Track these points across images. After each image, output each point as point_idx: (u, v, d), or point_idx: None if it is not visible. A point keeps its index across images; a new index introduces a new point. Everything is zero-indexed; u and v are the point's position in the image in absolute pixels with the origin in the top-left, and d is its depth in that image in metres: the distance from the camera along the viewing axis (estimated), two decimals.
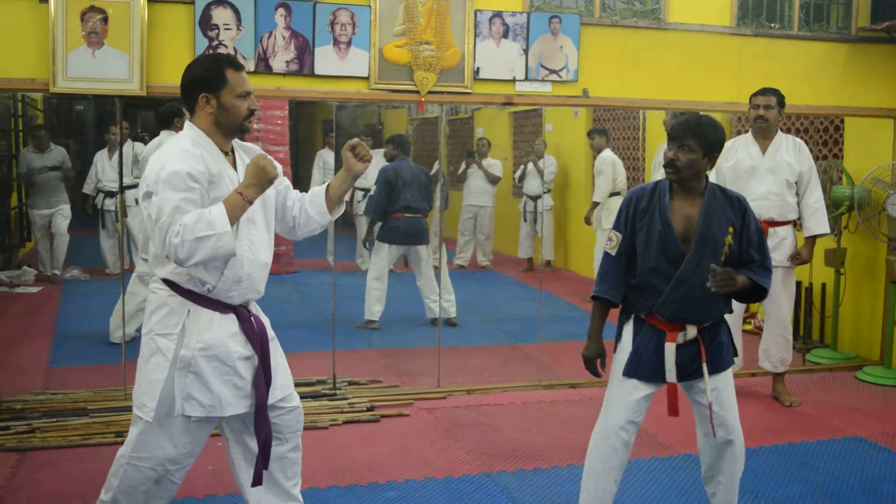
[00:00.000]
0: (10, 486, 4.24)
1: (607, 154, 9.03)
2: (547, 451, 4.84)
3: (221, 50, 5.34)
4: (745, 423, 3.63)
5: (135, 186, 9.62)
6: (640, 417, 3.58)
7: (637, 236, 3.52)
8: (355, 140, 3.33)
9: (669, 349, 3.50)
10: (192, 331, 3.09)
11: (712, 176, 5.88)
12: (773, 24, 6.51)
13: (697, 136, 3.40)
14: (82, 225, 10.31)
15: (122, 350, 5.71)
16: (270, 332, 3.32)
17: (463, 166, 11.14)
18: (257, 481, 3.28)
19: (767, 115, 5.64)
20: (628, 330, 3.63)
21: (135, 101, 5.50)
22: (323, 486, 4.23)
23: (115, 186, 9.84)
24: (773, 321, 5.82)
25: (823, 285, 7.14)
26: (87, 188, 10.07)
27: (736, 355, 3.73)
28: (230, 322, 3.15)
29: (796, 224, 5.82)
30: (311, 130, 15.84)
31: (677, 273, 3.43)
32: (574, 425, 5.19)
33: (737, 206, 3.50)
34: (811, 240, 5.79)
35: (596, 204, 8.92)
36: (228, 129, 3.17)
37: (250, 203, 3.03)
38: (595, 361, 3.61)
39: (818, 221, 5.73)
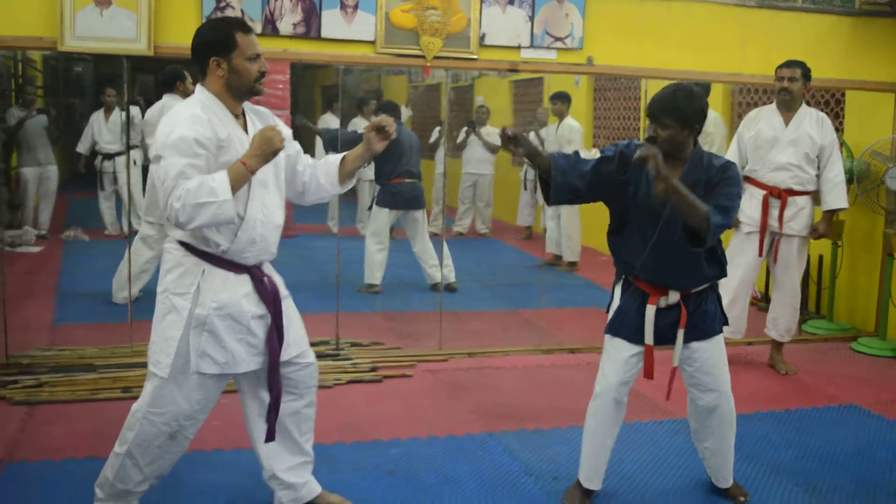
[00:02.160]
0: (20, 439, 4.31)
1: (576, 123, 9.06)
2: (548, 412, 4.92)
3: (229, 11, 5.36)
4: (742, 390, 3.73)
5: (124, 153, 9.71)
6: (631, 377, 3.68)
7: (628, 189, 3.54)
8: (383, 118, 3.36)
9: (649, 312, 3.58)
10: (206, 290, 3.15)
11: (733, 145, 5.94)
12: None
13: (673, 111, 3.44)
14: (81, 186, 10.34)
15: (127, 309, 5.77)
16: (284, 291, 3.39)
17: (462, 135, 11.17)
18: (270, 437, 3.37)
19: (792, 87, 5.67)
20: (618, 290, 3.74)
21: (133, 65, 5.51)
22: (329, 442, 4.30)
23: (112, 148, 9.88)
24: (785, 290, 5.89)
25: (821, 257, 7.22)
26: (81, 147, 10.08)
27: (726, 324, 3.78)
28: (244, 282, 3.22)
29: (813, 196, 5.86)
30: (311, 96, 15.83)
31: (653, 237, 3.50)
32: (574, 388, 5.27)
33: (717, 171, 3.50)
34: (829, 213, 5.85)
35: None
36: (239, 92, 3.20)
37: (252, 173, 3.07)
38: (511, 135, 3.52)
39: (837, 195, 5.78)
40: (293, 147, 3.45)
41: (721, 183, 3.47)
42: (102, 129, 9.92)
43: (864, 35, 6.71)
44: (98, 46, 5.20)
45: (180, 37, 5.30)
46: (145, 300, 6.61)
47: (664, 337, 3.63)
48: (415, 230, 7.95)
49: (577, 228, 9.01)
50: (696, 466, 4.15)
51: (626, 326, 3.65)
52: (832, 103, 7.67)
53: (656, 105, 3.48)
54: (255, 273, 3.25)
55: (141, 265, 6.63)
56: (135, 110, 9.74)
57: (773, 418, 4.96)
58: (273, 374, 3.29)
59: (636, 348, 3.64)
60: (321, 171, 3.45)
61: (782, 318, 5.93)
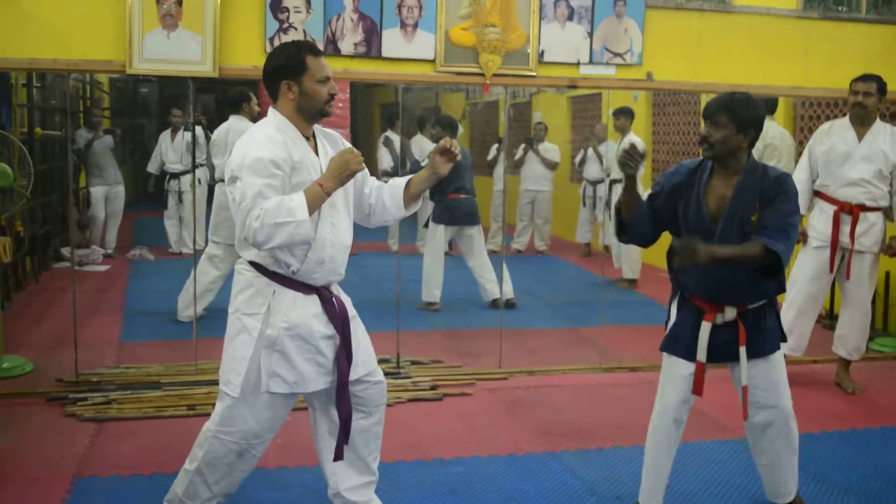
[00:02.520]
0: (90, 454, 4.40)
1: (638, 139, 8.99)
2: (609, 431, 4.89)
3: (291, 33, 5.44)
4: (808, 409, 3.68)
5: (188, 172, 9.94)
6: (690, 395, 3.62)
7: (678, 207, 3.55)
8: (449, 141, 3.38)
9: (704, 328, 3.53)
10: (277, 311, 3.21)
11: (804, 159, 5.85)
12: (840, 8, 6.44)
13: (728, 111, 3.39)
14: (147, 206, 10.56)
15: (192, 327, 5.87)
16: (352, 311, 3.43)
17: (520, 152, 11.17)
18: (338, 456, 3.40)
19: (867, 101, 5.57)
20: (674, 307, 3.71)
21: (179, 91, 5.64)
22: (390, 460, 4.32)
23: (176, 168, 10.11)
24: (856, 307, 5.78)
25: (887, 273, 7.07)
26: (152, 167, 10.38)
27: (784, 340, 3.71)
28: (313, 303, 3.26)
29: (885, 212, 5.75)
30: (368, 113, 15.98)
31: None
32: (635, 407, 5.22)
33: (772, 183, 3.43)
34: None
35: None
36: (310, 114, 3.27)
37: (328, 194, 3.12)
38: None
39: None
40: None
41: (777, 199, 3.40)
42: (168, 149, 10.18)
43: None
44: (165, 68, 5.32)
45: (244, 58, 5.41)
46: (210, 318, 6.73)
47: (721, 354, 3.58)
48: (470, 246, 7.96)
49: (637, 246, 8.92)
50: (759, 487, 4.09)
51: (681, 344, 3.61)
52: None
53: (712, 104, 3.45)
54: (323, 294, 3.29)
55: (206, 284, 6.74)
56: (198, 130, 9.97)
57: (840, 438, 4.86)
58: (342, 395, 3.32)
59: (693, 366, 3.59)
60: (387, 194, 3.49)
61: (852, 337, 5.81)
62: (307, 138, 3.30)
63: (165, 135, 10.39)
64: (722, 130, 3.41)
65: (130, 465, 4.27)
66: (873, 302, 6.99)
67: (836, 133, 5.73)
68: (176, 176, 10.17)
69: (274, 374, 3.21)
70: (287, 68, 3.22)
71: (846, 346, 5.83)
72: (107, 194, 10.20)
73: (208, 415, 4.90)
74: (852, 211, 5.60)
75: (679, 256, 3.28)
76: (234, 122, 6.95)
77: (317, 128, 3.39)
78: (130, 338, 6.67)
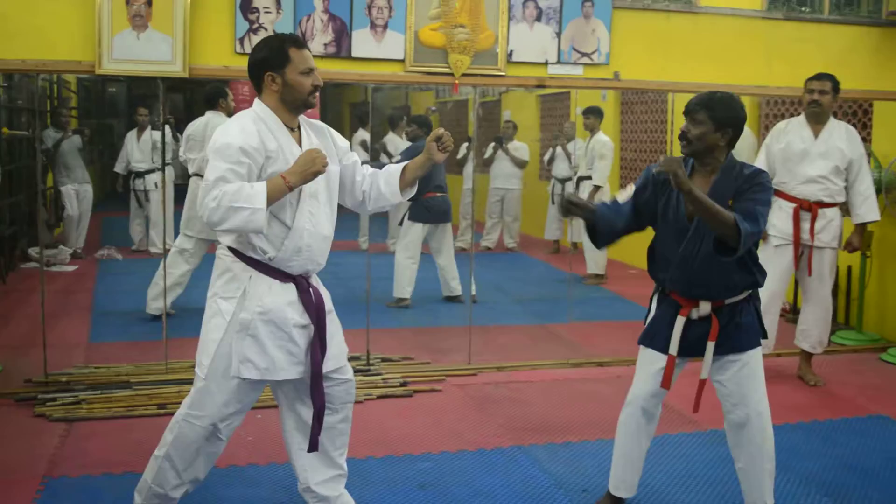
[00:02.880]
0: (59, 454, 4.40)
1: (607, 138, 9.13)
2: (577, 425, 4.96)
3: (261, 33, 5.46)
4: (771, 402, 3.68)
5: (157, 170, 9.94)
6: (662, 389, 3.68)
7: (658, 204, 3.62)
8: (441, 131, 3.43)
9: (678, 323, 3.60)
10: (252, 295, 3.25)
11: (761, 157, 5.96)
12: (803, 9, 6.56)
13: (708, 109, 3.46)
14: (113, 206, 10.53)
15: (162, 326, 5.87)
16: (328, 305, 3.46)
17: (490, 150, 11.25)
18: (313, 447, 3.43)
19: (822, 99, 5.69)
20: (654, 302, 3.77)
21: (147, 91, 5.66)
22: (360, 456, 4.36)
23: (142, 166, 10.09)
24: (818, 302, 5.89)
25: (849, 268, 7.20)
26: (119, 167, 10.35)
27: (765, 337, 3.76)
28: (289, 290, 3.30)
29: (841, 207, 5.87)
30: (338, 112, 15.99)
31: (680, 249, 3.52)
32: (603, 402, 5.30)
33: (746, 178, 3.48)
34: (861, 226, 5.86)
35: (598, 188, 9.01)
36: (294, 105, 3.31)
37: (290, 189, 3.15)
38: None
39: (869, 208, 5.79)
40: (350, 158, 3.55)
41: (750, 189, 3.46)
42: (134, 148, 10.14)
43: (891, 45, 6.72)
44: (135, 69, 5.32)
45: (214, 59, 5.43)
46: (180, 318, 6.77)
47: (697, 349, 3.63)
48: (441, 243, 8.05)
49: None
50: (725, 479, 4.19)
51: (658, 337, 3.67)
52: (860, 114, 7.67)
53: (693, 101, 3.51)
54: (300, 283, 3.33)
55: (176, 278, 6.79)
56: (157, 134, 10.01)
57: (801, 429, 4.96)
58: (316, 385, 3.35)
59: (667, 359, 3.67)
60: (382, 180, 3.53)
61: (814, 330, 5.92)
62: (291, 129, 3.34)
63: (131, 134, 10.36)
64: (700, 127, 3.47)
65: (101, 464, 4.28)
66: (835, 296, 7.16)
67: (792, 131, 5.85)
68: (141, 175, 10.14)
69: (245, 360, 3.24)
70: (270, 60, 3.27)
71: (809, 340, 5.94)
72: (77, 193, 10.16)
73: None
74: (811, 208, 5.71)
75: (663, 164, 3.31)
76: (212, 118, 7.03)
77: (303, 119, 3.43)
78: (99, 338, 6.66)
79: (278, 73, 3.26)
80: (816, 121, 5.78)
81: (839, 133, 5.77)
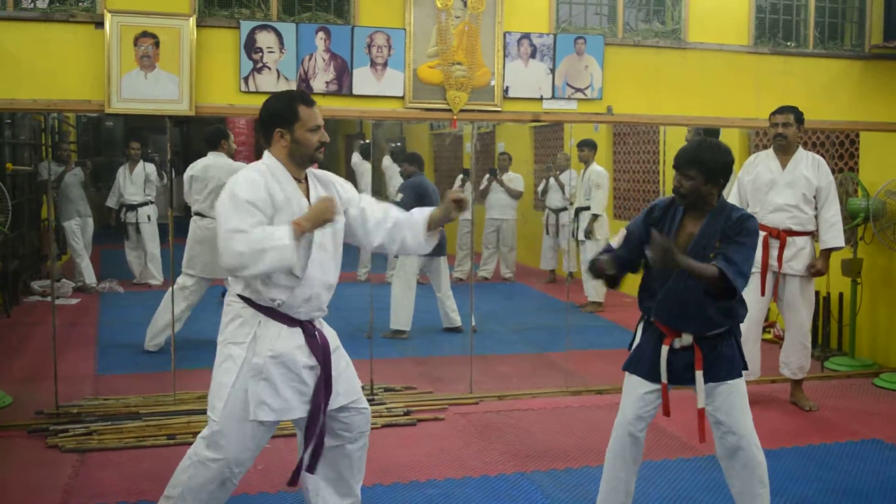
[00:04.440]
0: (74, 484, 4.51)
1: (602, 169, 9.37)
2: (577, 452, 5.09)
3: (265, 73, 5.63)
4: (765, 427, 3.84)
5: (146, 204, 10.08)
6: (647, 413, 3.82)
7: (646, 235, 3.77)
8: (463, 196, 3.59)
9: (663, 351, 3.75)
10: (263, 340, 3.38)
11: (734, 189, 6.14)
12: (789, 43, 6.75)
13: (697, 164, 3.62)
14: (112, 239, 10.64)
15: (169, 358, 5.98)
16: (335, 343, 3.60)
17: (484, 182, 11.39)
18: (311, 470, 3.54)
19: (786, 132, 5.88)
20: (640, 329, 3.92)
21: (148, 125, 5.80)
22: (367, 484, 4.45)
23: (134, 199, 10.21)
24: (793, 329, 6.04)
25: (841, 295, 7.36)
26: (111, 201, 10.47)
27: (745, 369, 3.86)
28: (297, 335, 3.44)
29: (814, 236, 6.04)
30: (333, 145, 16.13)
31: (666, 284, 3.68)
32: (602, 428, 5.40)
33: (734, 223, 3.64)
34: (826, 252, 6.01)
35: (596, 217, 9.22)
36: (301, 160, 3.46)
37: (303, 233, 3.27)
38: (602, 259, 3.75)
39: (834, 235, 5.95)
40: (357, 207, 3.65)
41: (739, 234, 3.61)
42: (126, 182, 10.27)
43: (874, 77, 6.91)
44: (143, 108, 5.47)
45: (220, 97, 5.59)
46: (186, 349, 6.85)
47: (680, 377, 3.78)
48: (439, 275, 8.20)
49: None
50: (723, 502, 4.29)
51: (642, 364, 3.82)
52: (847, 144, 7.86)
53: (682, 156, 3.66)
54: (307, 327, 3.47)
55: (176, 315, 6.85)
56: (150, 167, 10.16)
57: (796, 453, 5.09)
58: (313, 422, 3.46)
59: (651, 386, 3.79)
60: (409, 234, 3.64)
61: (793, 357, 6.07)
62: (299, 181, 3.48)
63: (123, 168, 10.47)
64: (692, 181, 3.64)
65: (115, 493, 4.39)
66: (827, 322, 7.31)
67: (760, 163, 6.05)
68: (133, 208, 10.25)
69: (261, 402, 3.36)
70: (281, 117, 3.42)
71: (790, 367, 6.10)
72: (81, 227, 10.27)
73: (189, 444, 5.03)
74: (780, 235, 5.87)
75: (653, 249, 3.44)
76: (214, 159, 7.18)
77: (310, 170, 3.57)
78: (107, 370, 6.76)
79: (287, 130, 3.40)
80: (783, 152, 5.97)
81: (806, 162, 5.95)
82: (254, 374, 3.36)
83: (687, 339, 3.74)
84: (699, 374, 3.72)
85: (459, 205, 3.60)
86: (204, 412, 5.43)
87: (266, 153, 3.49)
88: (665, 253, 3.39)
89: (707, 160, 3.62)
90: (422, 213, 3.67)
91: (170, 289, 6.81)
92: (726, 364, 3.75)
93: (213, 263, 6.79)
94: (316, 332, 3.50)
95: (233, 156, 7.33)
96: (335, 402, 3.52)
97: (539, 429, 5.53)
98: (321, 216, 3.31)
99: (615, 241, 3.85)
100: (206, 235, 6.92)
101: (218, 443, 3.40)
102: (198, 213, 7.13)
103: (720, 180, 3.66)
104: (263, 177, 3.37)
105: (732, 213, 3.70)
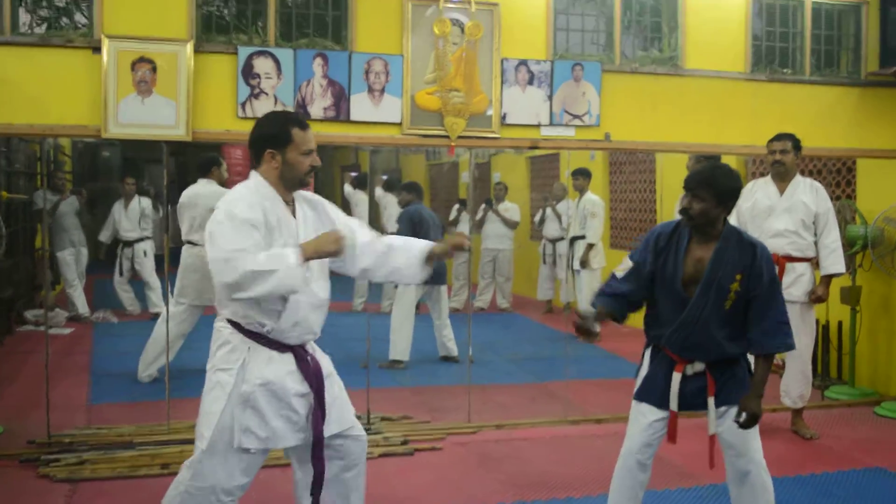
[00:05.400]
0: None
1: (596, 197, 9.37)
2: (577, 481, 5.01)
3: (262, 98, 5.62)
4: (766, 456, 3.77)
5: (142, 240, 10.02)
6: (656, 440, 3.78)
7: (656, 269, 3.73)
8: (465, 242, 3.59)
9: (675, 379, 3.70)
10: (251, 367, 3.30)
11: (733, 216, 6.10)
12: (785, 70, 6.77)
13: (709, 186, 3.60)
14: (105, 269, 10.57)
15: (163, 387, 5.91)
16: (328, 369, 3.52)
17: (481, 212, 11.39)
18: (315, 502, 3.48)
19: (784, 159, 5.87)
20: (647, 356, 3.86)
21: (144, 156, 5.76)
22: None
23: (131, 236, 10.13)
24: (793, 357, 5.98)
25: (840, 323, 7.31)
26: (104, 236, 10.36)
27: None
28: (288, 360, 3.36)
29: (813, 262, 6.00)
30: (329, 174, 16.12)
31: (682, 316, 3.64)
32: (602, 457, 5.33)
33: (749, 252, 3.64)
34: (827, 278, 5.98)
35: (591, 246, 9.20)
36: (291, 183, 3.40)
37: (306, 259, 3.19)
38: (588, 318, 3.72)
39: (834, 261, 5.92)
40: (345, 227, 3.56)
41: (769, 289, 3.65)
42: (122, 218, 10.20)
43: (871, 104, 6.92)
44: (139, 133, 5.45)
45: (217, 123, 5.57)
46: (180, 378, 6.76)
47: (692, 403, 3.74)
48: (438, 303, 8.15)
49: None
50: None
51: (653, 393, 3.77)
52: (843, 171, 7.86)
53: (694, 178, 3.64)
54: (298, 352, 3.38)
55: (164, 345, 6.84)
56: (145, 202, 10.11)
57: (798, 482, 5.03)
58: (317, 451, 3.40)
59: (661, 413, 3.75)
60: (403, 260, 3.59)
61: (793, 385, 6.04)
62: (286, 203, 3.41)
63: (119, 203, 10.38)
64: (702, 203, 3.62)
65: None
66: (827, 351, 7.26)
67: (759, 190, 6.04)
68: (129, 244, 10.15)
69: (247, 431, 3.28)
70: (273, 138, 3.35)
71: (790, 396, 6.06)
72: (73, 257, 10.21)
73: None
74: (778, 262, 5.84)
75: (748, 424, 3.59)
76: (204, 186, 7.08)
77: (298, 193, 3.49)
78: (100, 399, 6.68)
79: (279, 151, 3.34)
80: (781, 179, 5.97)
81: (804, 188, 5.94)
82: (241, 402, 3.28)
83: (699, 365, 3.70)
84: (711, 401, 3.68)
85: (460, 249, 3.58)
86: None
87: (253, 173, 3.41)
88: (755, 419, 3.57)
89: (720, 183, 3.60)
90: (421, 244, 3.63)
91: (161, 318, 6.78)
92: (738, 387, 3.72)
93: (205, 290, 6.74)
94: (308, 357, 3.42)
95: (224, 184, 7.17)
96: (327, 430, 3.44)
97: (539, 458, 5.46)
98: (325, 248, 3.24)
99: (620, 272, 3.80)
100: (197, 263, 6.82)
101: (203, 471, 3.32)
102: (188, 242, 7.05)
103: (729, 204, 3.65)
104: (255, 196, 3.31)
105: (743, 238, 3.69)
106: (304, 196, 3.54)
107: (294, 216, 3.42)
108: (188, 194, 7.12)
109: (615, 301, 3.79)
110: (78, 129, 5.43)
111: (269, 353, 3.33)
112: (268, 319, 3.30)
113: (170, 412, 5.74)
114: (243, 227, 3.19)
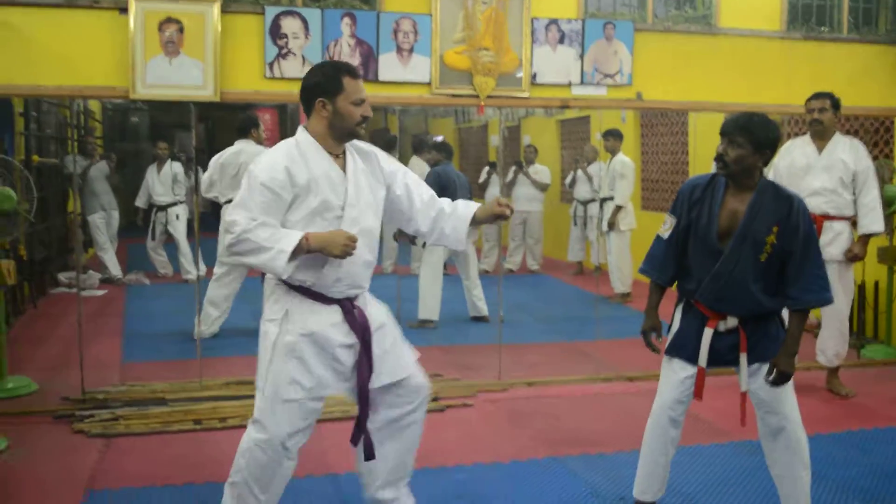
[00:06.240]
0: (100, 468, 4.48)
1: (627, 159, 9.26)
2: (609, 437, 5.00)
3: (290, 59, 5.60)
4: (802, 413, 3.72)
5: (176, 204, 10.11)
6: (687, 397, 3.74)
7: (691, 222, 3.68)
8: (506, 211, 3.49)
9: (706, 334, 3.65)
10: (294, 318, 3.31)
11: (769, 174, 6.03)
12: (822, 28, 6.64)
13: (746, 132, 3.50)
14: (140, 233, 10.66)
15: (195, 347, 5.95)
16: (380, 320, 3.50)
17: (511, 174, 11.34)
18: (369, 456, 3.50)
19: (822, 117, 5.77)
20: (679, 312, 3.82)
21: (172, 122, 5.78)
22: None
23: (163, 200, 10.21)
24: (830, 315, 5.91)
25: (877, 282, 7.22)
26: (140, 201, 10.46)
27: None
28: (333, 312, 3.36)
29: (852, 221, 5.91)
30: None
31: (715, 267, 3.57)
32: (634, 414, 5.31)
33: (785, 204, 3.54)
34: (865, 238, 5.89)
35: (619, 208, 9.12)
36: (341, 134, 3.36)
37: (307, 251, 3.19)
38: (649, 335, 3.80)
39: (873, 220, 5.83)
40: (400, 183, 3.54)
41: (807, 245, 3.54)
42: (155, 182, 10.27)
43: None
44: (167, 94, 5.45)
45: (245, 83, 5.56)
46: (211, 338, 6.90)
47: (724, 359, 3.69)
48: (466, 264, 8.13)
49: (628, 261, 9.11)
50: (759, 487, 4.21)
51: (685, 348, 3.72)
52: (881, 131, 7.72)
53: (731, 123, 3.55)
54: (345, 305, 3.38)
55: (218, 304, 7.14)
56: (177, 167, 10.17)
57: (835, 440, 4.98)
58: (362, 401, 3.41)
59: (692, 369, 3.70)
60: (449, 226, 3.56)
61: (830, 344, 5.97)
62: (336, 156, 3.38)
63: (152, 168, 10.46)
64: (738, 150, 3.52)
65: (142, 477, 4.35)
66: (863, 310, 7.17)
67: (797, 148, 5.94)
68: (163, 208, 10.24)
69: (293, 381, 3.29)
70: (324, 86, 3.31)
71: (826, 354, 6.00)
72: (106, 220, 10.31)
73: (215, 429, 5.07)
74: (816, 220, 5.76)
75: (778, 382, 3.56)
76: (244, 146, 7.23)
77: (352, 143, 3.45)
78: (132, 358, 6.74)
79: (330, 101, 3.30)
80: (820, 137, 5.86)
81: (843, 147, 5.84)
82: (286, 352, 3.30)
83: (732, 321, 3.64)
84: (743, 357, 3.64)
85: (501, 219, 3.54)
86: (229, 398, 5.50)
87: (301, 128, 3.40)
88: (787, 377, 3.54)
89: (758, 129, 3.51)
90: (467, 208, 3.58)
91: (214, 278, 6.94)
92: (772, 343, 3.65)
93: None
94: (355, 310, 3.40)
95: (261, 144, 7.38)
96: (377, 381, 3.44)
97: (570, 415, 5.45)
98: (330, 248, 3.20)
99: (665, 232, 3.75)
100: None
101: (264, 423, 3.33)
102: (230, 201, 7.08)
103: (767, 153, 3.55)
104: (287, 157, 3.28)
105: (780, 191, 3.59)
106: (358, 147, 3.50)
107: (344, 169, 3.38)
108: (229, 154, 7.25)
109: (663, 266, 3.77)
110: (106, 90, 5.44)
111: (313, 304, 3.33)
112: (306, 276, 3.30)
113: (203, 371, 5.78)
114: (257, 189, 3.21)
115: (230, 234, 3.18)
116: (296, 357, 3.30)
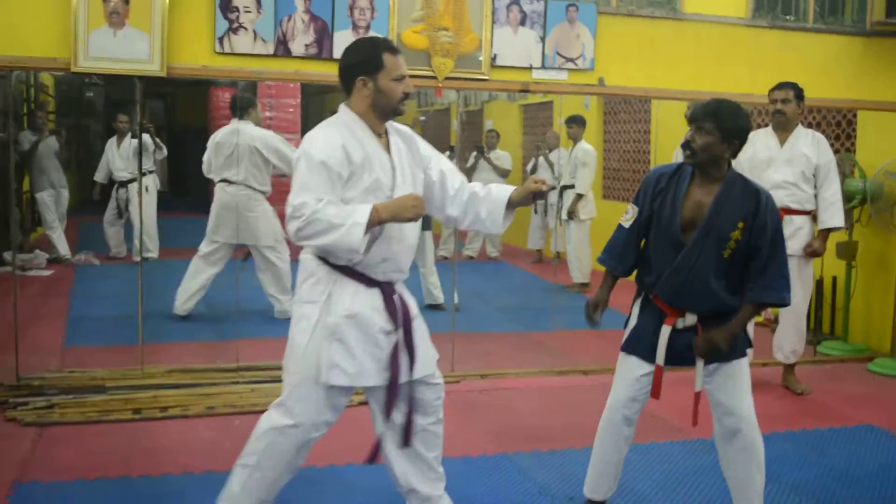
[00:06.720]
0: (30, 459, 4.29)
1: (589, 147, 9.15)
2: (561, 433, 4.88)
3: (241, 33, 5.38)
4: (757, 412, 3.61)
5: (145, 174, 9.79)
6: (642, 395, 3.63)
7: (653, 212, 3.55)
8: (543, 187, 3.31)
9: (664, 332, 3.54)
10: (337, 299, 3.19)
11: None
12: (788, 17, 6.54)
13: (715, 119, 3.38)
14: (92, 211, 10.39)
15: (138, 332, 5.74)
16: (414, 310, 3.38)
17: (472, 159, 11.19)
18: (406, 443, 3.38)
19: (785, 108, 5.67)
20: (637, 307, 3.70)
21: (125, 97, 5.54)
22: (340, 463, 4.30)
23: (124, 175, 9.94)
24: (787, 311, 5.82)
25: (835, 278, 7.17)
26: (98, 176, 10.18)
27: (750, 346, 3.69)
28: (375, 296, 3.23)
29: (813, 216, 5.83)
30: (320, 119, 15.87)
31: (675, 261, 3.46)
32: (587, 409, 5.17)
33: (753, 199, 3.44)
34: (825, 232, 5.81)
35: (580, 196, 9.01)
36: (383, 112, 3.25)
37: (379, 222, 3.08)
38: (594, 307, 3.70)
39: (832, 214, 5.75)
40: (436, 168, 3.43)
41: (772, 242, 3.44)
42: (115, 157, 10.00)
43: (875, 55, 6.70)
44: (111, 67, 5.21)
45: (193, 58, 5.33)
46: (155, 322, 6.67)
47: (681, 357, 3.57)
48: (423, 250, 7.98)
49: (588, 250, 9.01)
50: (713, 486, 4.12)
51: (641, 345, 3.62)
52: (843, 124, 7.66)
53: (700, 109, 3.44)
54: (385, 289, 3.25)
55: (202, 282, 7.09)
56: (145, 138, 9.87)
57: (790, 438, 4.91)
58: (394, 391, 3.26)
59: (649, 367, 3.60)
60: (484, 209, 3.41)
61: (787, 340, 5.90)
62: (378, 135, 3.27)
63: (111, 142, 10.18)
64: (706, 137, 3.40)
65: (73, 469, 4.17)
66: (820, 306, 7.12)
67: (759, 140, 5.83)
68: (124, 184, 9.97)
69: (334, 365, 3.16)
70: (363, 64, 3.21)
71: (783, 351, 5.93)
72: (55, 198, 10.00)
73: (154, 419, 4.87)
74: None
75: (701, 351, 3.46)
76: (242, 126, 7.09)
77: (391, 124, 3.35)
78: (74, 342, 6.52)
79: (371, 78, 3.19)
80: (782, 129, 5.77)
81: (805, 140, 5.76)
82: (328, 335, 3.16)
83: (691, 318, 3.52)
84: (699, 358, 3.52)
85: (539, 197, 3.38)
86: (171, 386, 5.31)
87: (342, 107, 3.28)
88: (713, 347, 3.44)
89: (727, 117, 3.39)
90: (502, 191, 3.42)
91: (197, 254, 7.05)
92: (732, 343, 3.53)
93: (239, 230, 6.90)
94: (395, 296, 3.27)
95: (259, 124, 7.31)
96: (416, 371, 3.31)
97: (522, 409, 5.33)
98: (402, 213, 3.10)
99: (626, 221, 3.62)
100: (232, 202, 6.98)
101: (293, 409, 3.21)
102: (224, 180, 7.14)
103: (735, 143, 3.43)
104: (341, 135, 3.16)
105: (749, 184, 3.48)
106: (397, 128, 3.39)
107: (388, 150, 3.28)
108: (224, 133, 7.18)
109: (622, 256, 3.66)
110: (47, 61, 5.18)
111: (356, 285, 3.21)
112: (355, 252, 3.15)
113: (144, 357, 5.58)
114: (316, 169, 3.08)
115: (298, 219, 3.02)
116: (337, 339, 3.16)
